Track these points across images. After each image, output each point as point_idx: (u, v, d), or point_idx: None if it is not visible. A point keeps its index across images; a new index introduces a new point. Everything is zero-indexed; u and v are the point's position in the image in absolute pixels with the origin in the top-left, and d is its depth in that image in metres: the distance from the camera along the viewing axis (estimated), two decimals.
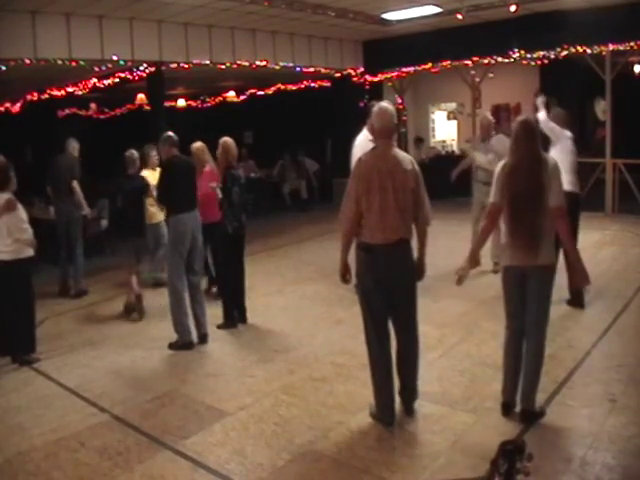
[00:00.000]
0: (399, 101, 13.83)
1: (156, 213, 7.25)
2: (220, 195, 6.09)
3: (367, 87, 13.55)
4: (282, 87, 14.74)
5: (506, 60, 11.54)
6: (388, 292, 3.88)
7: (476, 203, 7.56)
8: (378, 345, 3.94)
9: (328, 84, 14.20)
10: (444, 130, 15.07)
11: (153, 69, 10.06)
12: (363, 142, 5.84)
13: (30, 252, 5.32)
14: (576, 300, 5.98)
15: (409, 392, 4.07)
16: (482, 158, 7.42)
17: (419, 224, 3.94)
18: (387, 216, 3.79)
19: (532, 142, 3.74)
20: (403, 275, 3.91)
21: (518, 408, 3.88)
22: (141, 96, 13.69)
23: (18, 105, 14.18)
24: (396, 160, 3.84)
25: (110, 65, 9.84)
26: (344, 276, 4.05)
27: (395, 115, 3.95)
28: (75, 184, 7.46)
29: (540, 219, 3.68)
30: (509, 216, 3.79)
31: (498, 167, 3.91)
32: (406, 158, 3.91)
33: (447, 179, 8.11)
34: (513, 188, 3.74)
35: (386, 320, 3.96)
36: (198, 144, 6.77)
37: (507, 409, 3.92)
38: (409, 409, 4.05)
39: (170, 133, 5.73)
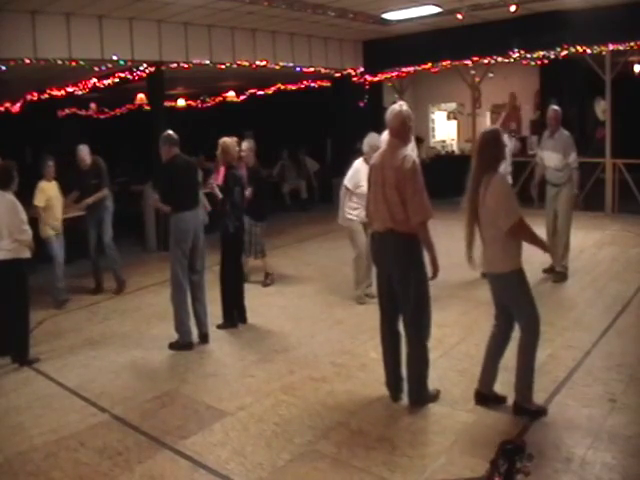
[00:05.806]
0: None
1: None
2: (220, 195, 6.09)
3: (367, 87, 13.55)
4: (282, 87, 14.73)
5: (506, 60, 11.53)
6: (389, 278, 4.13)
7: (548, 209, 6.95)
8: (380, 321, 4.31)
9: (328, 84, 14.19)
10: (444, 130, 15.07)
11: (153, 69, 10.05)
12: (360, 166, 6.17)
13: (27, 253, 5.32)
14: None
15: (409, 389, 4.13)
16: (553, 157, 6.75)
17: (410, 220, 3.97)
18: (377, 207, 4.12)
19: (481, 154, 3.86)
20: (394, 265, 4.10)
21: (510, 401, 3.97)
22: (141, 96, 13.69)
23: (18, 105, 14.17)
24: (390, 157, 4.06)
25: (110, 65, 9.83)
26: None
27: (404, 115, 4.10)
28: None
29: (483, 230, 3.87)
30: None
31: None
32: (399, 156, 4.00)
33: (447, 179, 8.06)
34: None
35: (389, 302, 4.21)
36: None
37: (479, 398, 4.09)
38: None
39: (169, 132, 5.68)
